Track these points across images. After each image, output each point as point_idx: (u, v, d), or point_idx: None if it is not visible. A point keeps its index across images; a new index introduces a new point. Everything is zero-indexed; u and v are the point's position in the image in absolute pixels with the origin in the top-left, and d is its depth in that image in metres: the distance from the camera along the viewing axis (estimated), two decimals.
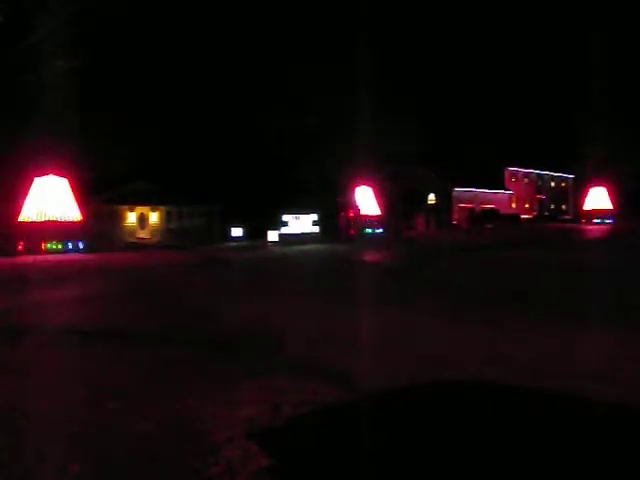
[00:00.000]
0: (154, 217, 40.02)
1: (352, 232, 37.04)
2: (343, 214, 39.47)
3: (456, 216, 49.28)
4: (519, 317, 7.93)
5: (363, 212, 41.03)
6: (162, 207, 39.85)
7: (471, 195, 51.21)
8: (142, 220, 39.62)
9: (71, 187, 29.66)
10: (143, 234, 39.03)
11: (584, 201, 45.89)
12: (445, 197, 49.76)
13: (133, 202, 38.69)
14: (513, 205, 56.29)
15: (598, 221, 42.13)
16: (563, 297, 9.93)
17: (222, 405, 4.39)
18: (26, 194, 28.39)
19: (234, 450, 3.53)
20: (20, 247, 25.91)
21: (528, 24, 57.32)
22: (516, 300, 9.62)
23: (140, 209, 39.38)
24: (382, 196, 43.83)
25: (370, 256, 22.13)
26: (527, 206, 58.48)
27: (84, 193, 31.77)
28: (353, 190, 40.97)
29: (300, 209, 35.04)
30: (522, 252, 20.51)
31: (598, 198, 44.82)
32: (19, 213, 27.91)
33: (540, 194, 60.64)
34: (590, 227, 38.20)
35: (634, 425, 3.94)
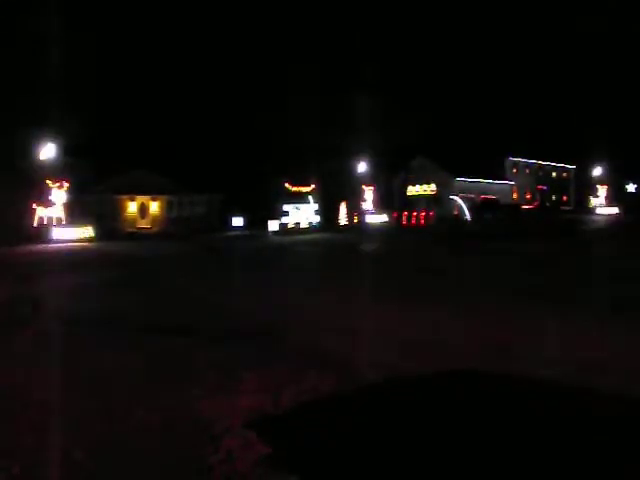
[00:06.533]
0: (154, 206, 39.97)
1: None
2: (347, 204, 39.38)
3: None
4: None
5: (363, 202, 40.98)
6: (162, 196, 39.78)
7: (472, 185, 51.03)
8: (143, 209, 39.59)
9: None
10: (144, 223, 39.03)
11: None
12: (446, 187, 49.61)
13: (134, 191, 38.64)
14: (514, 196, 56.13)
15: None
16: None
17: (222, 394, 4.40)
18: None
19: (234, 439, 3.54)
20: None
21: (530, 15, 56.86)
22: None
23: (141, 198, 39.33)
24: (382, 187, 43.71)
25: (368, 245, 22.12)
26: (528, 197, 58.31)
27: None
28: (352, 181, 40.89)
29: (301, 199, 35.00)
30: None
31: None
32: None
33: (541, 185, 60.43)
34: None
35: (633, 416, 3.94)
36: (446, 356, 5.47)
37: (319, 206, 35.20)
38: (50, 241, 26.73)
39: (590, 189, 51.51)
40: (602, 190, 50.54)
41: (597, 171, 51.87)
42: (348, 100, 35.90)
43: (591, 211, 47.25)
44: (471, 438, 3.49)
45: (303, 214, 34.61)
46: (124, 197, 38.67)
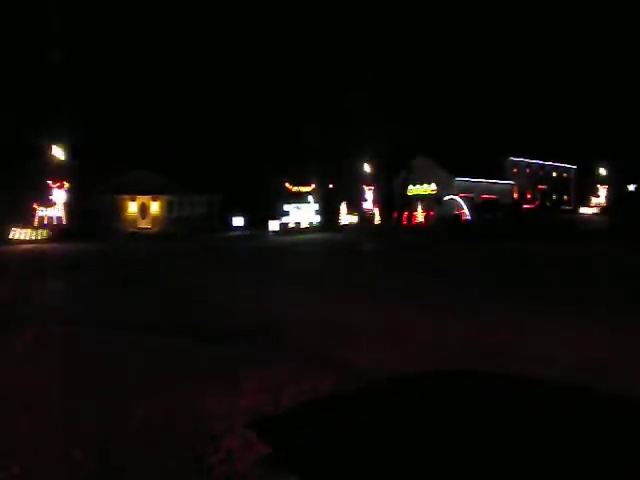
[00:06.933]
0: (155, 206, 39.97)
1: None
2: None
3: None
4: None
5: (363, 202, 40.97)
6: (163, 196, 39.78)
7: (472, 185, 50.98)
8: (143, 210, 39.59)
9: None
10: (144, 223, 39.03)
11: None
12: (446, 187, 49.55)
13: (134, 191, 38.63)
14: (515, 195, 56.10)
15: None
16: None
17: (222, 394, 4.40)
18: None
19: (234, 439, 3.54)
20: None
21: (530, 15, 56.81)
22: None
23: (141, 198, 39.33)
24: (382, 187, 43.66)
25: (368, 245, 22.13)
26: (529, 196, 58.26)
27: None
28: (352, 181, 40.84)
29: (301, 199, 35.04)
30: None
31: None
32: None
33: (542, 184, 60.37)
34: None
35: (633, 416, 3.94)
36: (446, 355, 5.48)
37: (319, 206, 35.22)
38: None
39: (590, 189, 51.49)
40: (602, 190, 50.51)
41: (597, 171, 51.81)
42: (348, 100, 35.84)
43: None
44: (471, 438, 3.49)
45: (303, 214, 34.64)
46: (124, 197, 38.68)
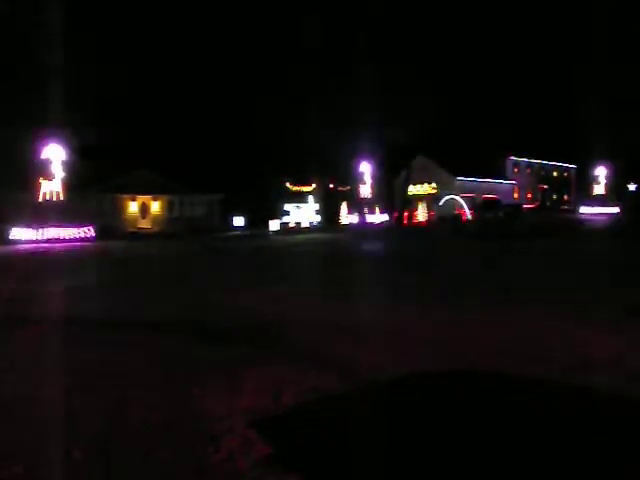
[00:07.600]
0: (155, 206, 39.97)
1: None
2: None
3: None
4: None
5: (364, 202, 40.96)
6: (163, 196, 39.78)
7: (473, 185, 50.96)
8: (144, 209, 39.60)
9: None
10: (145, 223, 39.04)
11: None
12: (446, 186, 49.53)
13: (135, 191, 38.63)
14: (515, 195, 56.10)
15: None
16: None
17: (222, 394, 4.40)
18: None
19: (235, 439, 3.55)
20: None
21: (529, 14, 56.73)
22: None
23: (142, 198, 39.33)
24: (382, 186, 43.65)
25: (368, 246, 22.13)
26: (529, 196, 58.26)
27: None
28: (352, 181, 40.83)
29: (302, 199, 35.05)
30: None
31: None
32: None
33: (543, 184, 60.37)
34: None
35: (633, 416, 3.94)
36: (445, 354, 5.48)
37: (320, 206, 35.25)
38: None
39: (590, 188, 51.55)
40: (602, 189, 50.60)
41: (598, 171, 51.82)
42: (348, 100, 35.84)
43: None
44: (471, 438, 3.49)
45: (304, 214, 34.66)
46: (125, 197, 38.68)
